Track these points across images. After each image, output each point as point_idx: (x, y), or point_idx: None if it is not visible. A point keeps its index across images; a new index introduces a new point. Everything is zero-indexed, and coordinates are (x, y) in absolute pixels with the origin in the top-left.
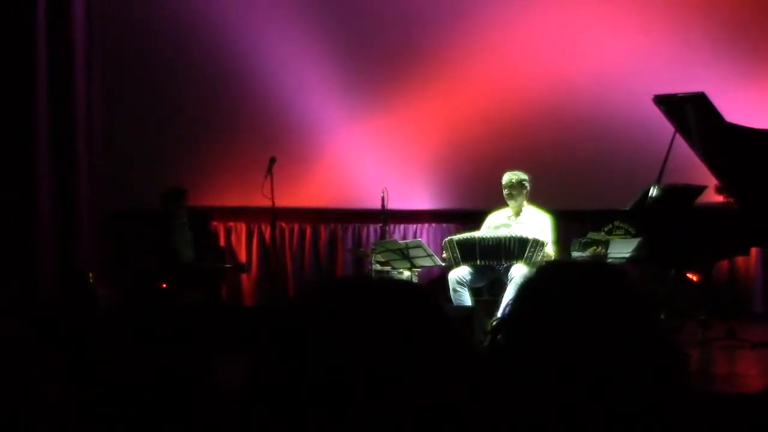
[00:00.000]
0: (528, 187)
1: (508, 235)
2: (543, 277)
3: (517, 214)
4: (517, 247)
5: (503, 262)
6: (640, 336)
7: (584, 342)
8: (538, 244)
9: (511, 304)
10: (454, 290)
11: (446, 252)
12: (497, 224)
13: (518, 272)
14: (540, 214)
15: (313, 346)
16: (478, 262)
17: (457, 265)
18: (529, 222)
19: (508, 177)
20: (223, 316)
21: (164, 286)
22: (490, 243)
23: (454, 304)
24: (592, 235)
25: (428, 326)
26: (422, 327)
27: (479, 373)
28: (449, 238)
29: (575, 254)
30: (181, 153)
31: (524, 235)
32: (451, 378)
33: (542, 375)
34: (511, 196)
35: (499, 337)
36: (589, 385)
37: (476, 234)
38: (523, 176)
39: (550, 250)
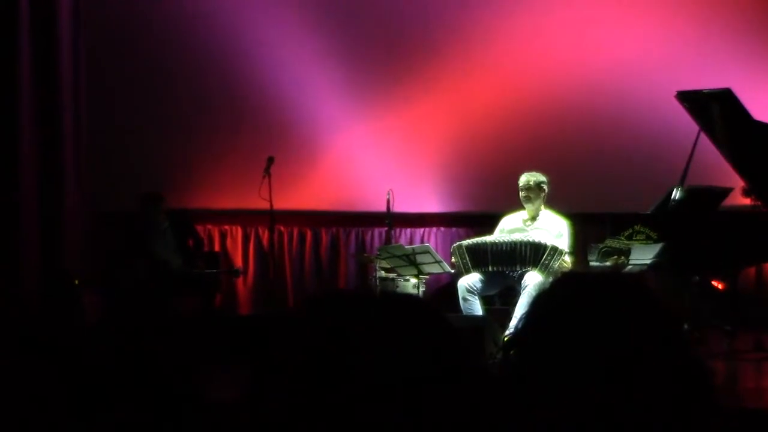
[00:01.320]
0: (546, 190)
1: (524, 240)
2: (559, 289)
3: (534, 218)
4: (532, 253)
5: (517, 269)
6: (662, 353)
7: (602, 359)
8: (556, 252)
9: (525, 318)
10: (464, 299)
11: (455, 258)
12: (512, 228)
13: (532, 280)
14: (558, 219)
15: (310, 363)
16: (490, 268)
17: (467, 272)
18: (546, 227)
19: (525, 178)
20: (217, 326)
21: (153, 294)
22: (504, 248)
23: (464, 313)
24: (611, 243)
25: (433, 344)
26: (427, 345)
27: (489, 393)
28: (458, 243)
29: (593, 262)
30: (174, 152)
31: (541, 241)
32: (458, 398)
33: (558, 394)
34: (528, 198)
35: (512, 353)
36: (607, 405)
37: (488, 238)
38: (542, 178)
39: (567, 259)
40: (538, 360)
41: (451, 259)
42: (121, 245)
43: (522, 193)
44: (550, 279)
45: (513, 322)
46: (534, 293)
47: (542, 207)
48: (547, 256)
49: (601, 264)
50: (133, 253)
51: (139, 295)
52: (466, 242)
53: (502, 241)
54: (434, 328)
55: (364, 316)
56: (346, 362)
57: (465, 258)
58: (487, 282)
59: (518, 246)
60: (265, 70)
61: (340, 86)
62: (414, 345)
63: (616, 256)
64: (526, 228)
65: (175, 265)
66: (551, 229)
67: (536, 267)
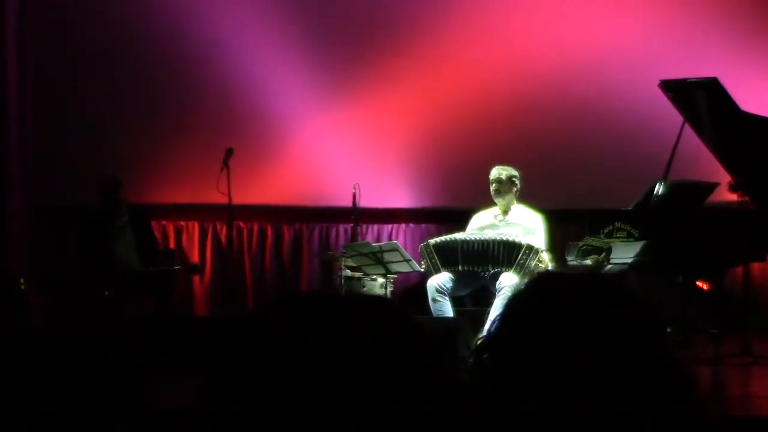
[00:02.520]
0: (518, 185)
1: (496, 238)
2: (534, 290)
3: (505, 213)
4: (506, 252)
5: (489, 269)
6: (643, 357)
7: (580, 364)
8: (531, 251)
9: (499, 320)
10: (434, 300)
11: (423, 258)
12: (483, 225)
13: (508, 281)
14: (531, 213)
15: (270, 370)
16: (461, 267)
17: (437, 271)
18: (519, 222)
19: (496, 171)
20: (171, 329)
21: (107, 294)
22: (475, 246)
23: (434, 315)
24: (591, 241)
25: (402, 349)
26: (396, 350)
27: (460, 400)
28: (426, 242)
29: (571, 261)
30: (126, 144)
31: (515, 239)
32: (428, 405)
33: (533, 401)
34: (499, 192)
35: (485, 357)
36: (585, 412)
37: (458, 236)
38: (514, 172)
39: (544, 257)
40: (512, 364)
41: (420, 259)
42: (78, 243)
43: (493, 186)
44: (527, 279)
45: (487, 326)
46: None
47: (514, 202)
48: (523, 255)
49: (580, 263)
50: (91, 251)
51: (91, 296)
52: (433, 241)
53: (473, 239)
54: (403, 331)
55: (329, 320)
56: (308, 370)
57: (434, 257)
58: (458, 282)
59: (491, 244)
60: (224, 57)
61: (304, 74)
62: (382, 350)
63: (596, 255)
64: (498, 224)
65: (133, 263)
66: (525, 224)
67: (511, 267)
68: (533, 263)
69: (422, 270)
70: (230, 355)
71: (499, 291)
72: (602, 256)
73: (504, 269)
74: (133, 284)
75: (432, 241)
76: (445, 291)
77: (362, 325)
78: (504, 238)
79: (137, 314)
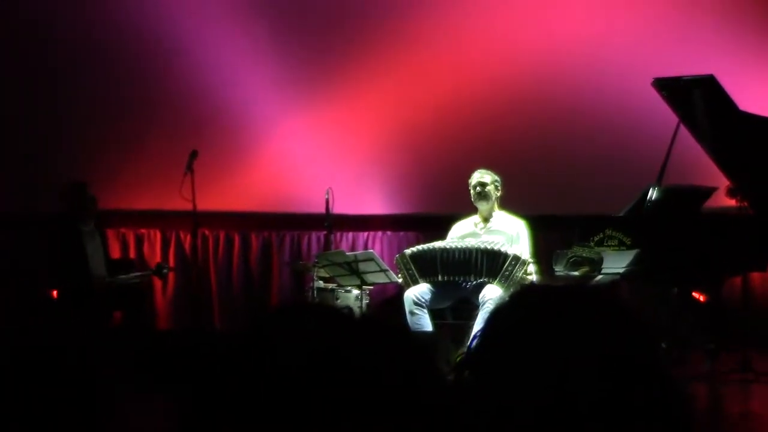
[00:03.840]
0: (500, 192)
1: (479, 247)
2: (518, 303)
3: (486, 220)
4: (490, 262)
5: (472, 279)
6: (635, 375)
7: (567, 382)
8: (518, 261)
9: (481, 335)
10: (411, 312)
11: (400, 270)
12: (464, 234)
13: (492, 294)
14: (514, 219)
15: (243, 386)
16: (440, 278)
17: (414, 283)
18: (501, 229)
19: (479, 174)
20: (137, 345)
21: (55, 296)
22: (456, 255)
23: (411, 329)
24: (580, 251)
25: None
26: (395, 366)
27: (447, 415)
28: (402, 252)
29: (560, 271)
30: (81, 146)
31: (500, 248)
32: (411, 418)
33: (516, 420)
34: (481, 196)
35: (465, 374)
36: None
37: (437, 244)
38: (496, 177)
39: (531, 269)
40: (495, 382)
41: (396, 270)
42: (48, 252)
43: (475, 190)
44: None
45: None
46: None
47: (496, 208)
48: (509, 265)
49: (568, 274)
50: (63, 261)
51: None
52: (409, 250)
53: (454, 247)
54: (406, 348)
55: (332, 336)
56: (304, 385)
57: (410, 268)
58: (437, 294)
59: (473, 253)
60: (187, 54)
61: (274, 73)
62: (381, 366)
63: (585, 267)
64: (479, 232)
65: (100, 274)
66: (507, 231)
67: (495, 278)
68: (519, 274)
69: (400, 281)
70: (218, 373)
71: (483, 304)
72: (592, 267)
73: (488, 280)
74: (102, 298)
75: (408, 251)
76: (424, 303)
77: (363, 343)
78: (487, 247)
79: (104, 328)
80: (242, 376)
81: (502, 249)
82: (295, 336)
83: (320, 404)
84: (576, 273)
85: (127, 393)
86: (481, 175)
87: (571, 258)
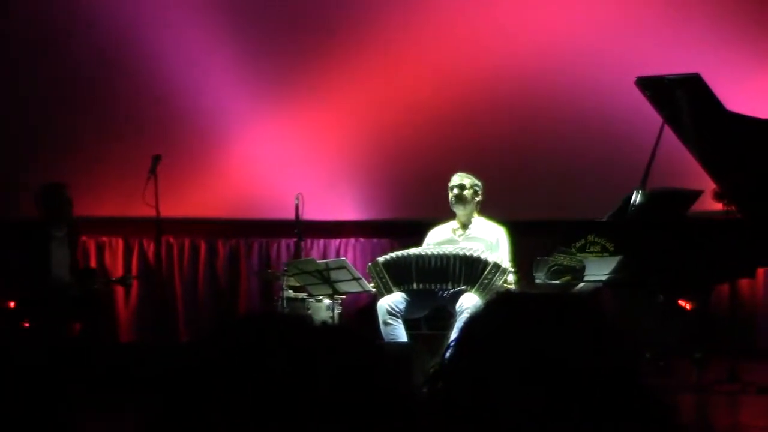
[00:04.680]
0: (480, 197)
1: (457, 253)
2: (493, 312)
3: (465, 226)
4: (468, 269)
5: (449, 287)
6: (614, 387)
7: (544, 393)
8: (498, 270)
9: (455, 344)
10: (385, 323)
11: (373, 278)
12: (440, 240)
13: (469, 303)
14: (493, 226)
15: (208, 401)
16: (416, 285)
17: (388, 292)
18: (480, 236)
19: (458, 177)
20: (98, 357)
21: (12, 307)
22: (432, 262)
23: (385, 339)
24: (560, 259)
25: (354, 376)
26: (347, 378)
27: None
28: (374, 261)
29: (539, 280)
30: (41, 150)
31: (479, 255)
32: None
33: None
34: (460, 199)
35: (439, 385)
36: None
37: (412, 251)
38: (477, 181)
39: (511, 279)
40: (469, 393)
41: (369, 279)
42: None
43: (454, 192)
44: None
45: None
46: None
47: (475, 214)
48: (489, 273)
49: (548, 283)
50: (23, 268)
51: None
52: (382, 258)
53: (430, 253)
54: (372, 359)
55: (298, 348)
56: (247, 400)
57: (384, 277)
58: (412, 302)
59: (451, 260)
60: (150, 55)
61: (242, 74)
62: (349, 375)
63: (567, 276)
64: (457, 239)
65: (62, 282)
66: (487, 238)
67: (474, 286)
68: (499, 283)
69: (373, 290)
70: (178, 388)
71: (460, 313)
72: (573, 276)
73: (466, 288)
74: (67, 307)
75: (381, 258)
76: (398, 313)
77: (332, 353)
78: (466, 253)
79: (61, 340)
80: (207, 387)
81: (482, 256)
82: (259, 345)
83: (287, 414)
84: (557, 282)
85: (88, 411)
86: (461, 178)
87: (552, 267)
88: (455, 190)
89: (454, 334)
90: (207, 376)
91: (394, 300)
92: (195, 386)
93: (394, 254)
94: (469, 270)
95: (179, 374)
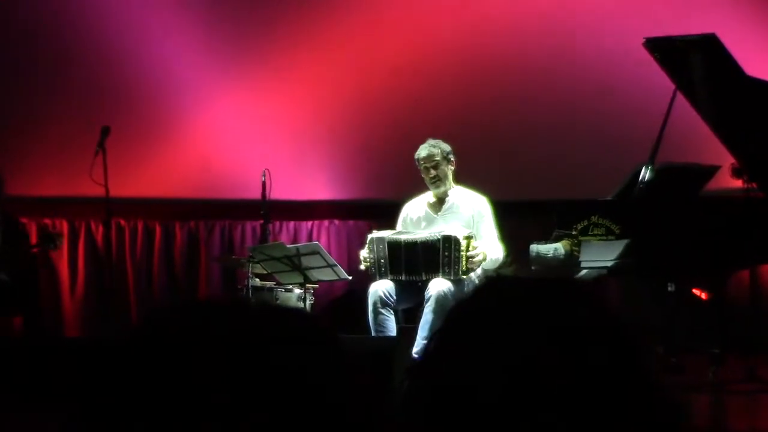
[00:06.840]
0: (454, 164)
1: (427, 238)
2: (481, 299)
3: (441, 201)
4: (430, 254)
5: (423, 276)
6: (618, 384)
7: (539, 391)
8: (450, 242)
9: (438, 336)
10: (377, 312)
11: (370, 253)
12: (416, 218)
13: (435, 288)
14: (473, 196)
15: (161, 398)
16: (404, 277)
17: (382, 276)
18: (460, 210)
19: (427, 150)
20: (39, 352)
21: None
22: (412, 247)
23: (374, 333)
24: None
25: (321, 378)
26: (313, 380)
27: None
28: (378, 234)
29: (535, 250)
30: None
31: (435, 237)
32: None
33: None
34: (435, 179)
35: (416, 383)
36: None
37: (402, 236)
38: (445, 146)
39: (476, 243)
40: (452, 390)
41: (360, 254)
42: None
43: (431, 174)
44: (470, 285)
45: (416, 346)
46: (435, 306)
47: (452, 185)
48: (444, 253)
49: (547, 248)
50: None
51: None
52: (388, 236)
53: (411, 239)
54: (325, 355)
55: (236, 337)
56: (200, 403)
57: (384, 257)
58: (400, 294)
59: (420, 245)
60: (98, 16)
61: (204, 39)
62: (295, 380)
63: (569, 239)
64: (434, 215)
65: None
66: (465, 212)
67: (438, 272)
68: (460, 255)
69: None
70: (99, 386)
71: (426, 301)
72: (574, 242)
73: (432, 275)
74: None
75: (386, 236)
76: (392, 303)
77: (275, 344)
78: (424, 238)
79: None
80: (127, 392)
81: (449, 233)
82: (185, 341)
83: (222, 412)
84: (557, 247)
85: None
86: (429, 151)
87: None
88: (432, 171)
89: (422, 325)
90: (126, 378)
91: (387, 287)
92: (114, 391)
93: (395, 236)
94: (432, 255)
95: (97, 376)
